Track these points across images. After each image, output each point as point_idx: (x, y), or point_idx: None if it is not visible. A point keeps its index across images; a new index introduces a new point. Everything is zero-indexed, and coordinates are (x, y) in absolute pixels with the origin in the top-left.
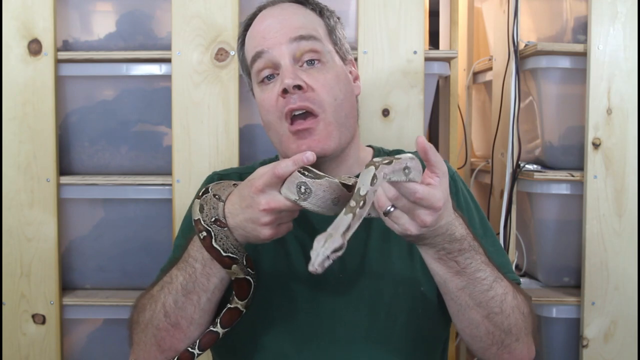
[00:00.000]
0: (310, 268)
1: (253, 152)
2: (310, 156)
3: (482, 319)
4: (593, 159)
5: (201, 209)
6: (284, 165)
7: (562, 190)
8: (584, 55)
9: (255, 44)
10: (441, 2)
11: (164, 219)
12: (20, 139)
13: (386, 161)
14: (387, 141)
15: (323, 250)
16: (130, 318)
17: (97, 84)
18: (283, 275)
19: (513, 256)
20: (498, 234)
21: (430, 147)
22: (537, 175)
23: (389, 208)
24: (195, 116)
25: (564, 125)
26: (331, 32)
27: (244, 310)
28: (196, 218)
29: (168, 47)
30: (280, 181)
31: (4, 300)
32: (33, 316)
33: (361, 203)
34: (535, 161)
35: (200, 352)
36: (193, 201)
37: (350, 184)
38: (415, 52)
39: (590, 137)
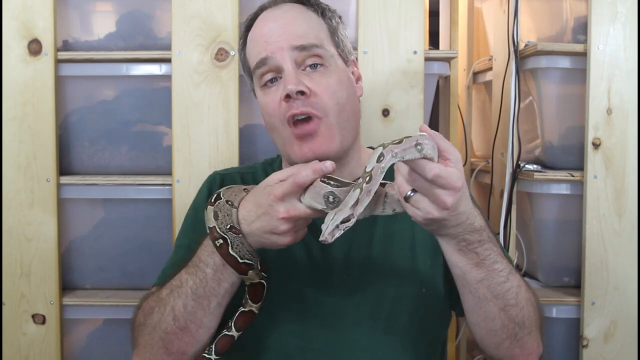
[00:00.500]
0: (321, 238)
1: (253, 152)
2: (330, 166)
3: (498, 311)
4: (593, 159)
5: (215, 216)
6: (304, 174)
7: (562, 190)
8: (584, 55)
9: (259, 49)
10: (441, 2)
11: (164, 219)
12: (20, 139)
13: (396, 141)
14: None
15: (332, 221)
16: (134, 320)
17: (97, 84)
18: (287, 275)
19: (513, 256)
20: (498, 233)
21: (435, 134)
22: (537, 175)
23: (409, 192)
24: (195, 116)
25: (564, 125)
26: (333, 33)
27: (257, 312)
28: (211, 225)
29: (168, 47)
30: (300, 190)
31: (4, 300)
32: (33, 316)
33: (367, 179)
34: (535, 161)
35: (217, 358)
36: (206, 208)
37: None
38: (415, 52)
39: (590, 137)
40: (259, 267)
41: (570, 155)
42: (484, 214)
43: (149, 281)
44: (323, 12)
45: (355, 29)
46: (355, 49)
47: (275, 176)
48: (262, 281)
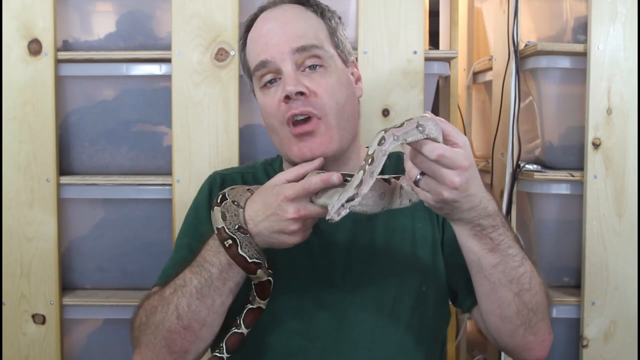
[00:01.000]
0: (327, 217)
1: (253, 152)
2: (337, 179)
3: (513, 296)
4: (593, 159)
5: (223, 217)
6: (314, 182)
7: (562, 190)
8: (584, 55)
9: (259, 51)
10: (441, 2)
11: (164, 219)
12: (20, 139)
13: (397, 125)
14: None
15: (338, 201)
16: (135, 319)
17: (97, 84)
18: (289, 275)
19: None
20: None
21: (440, 119)
22: (537, 175)
23: (418, 176)
24: (195, 116)
25: (564, 125)
26: (332, 34)
27: (264, 308)
28: (219, 226)
29: (168, 47)
30: (310, 194)
31: (4, 300)
32: (33, 316)
33: (369, 160)
34: (535, 161)
35: (228, 355)
36: (212, 209)
37: (387, 178)
38: (415, 52)
39: (590, 137)
40: (267, 265)
41: (570, 155)
42: (497, 201)
43: (149, 281)
44: (322, 13)
45: (355, 29)
46: (355, 49)
47: (282, 176)
48: (269, 278)
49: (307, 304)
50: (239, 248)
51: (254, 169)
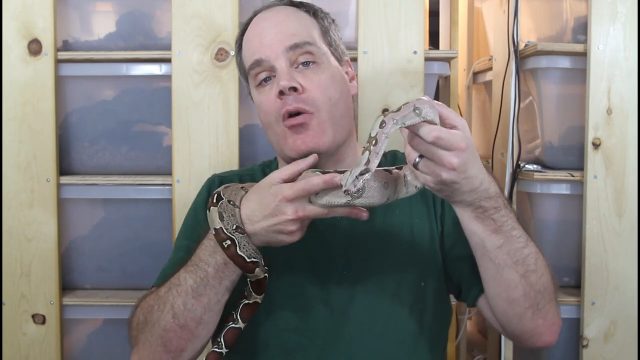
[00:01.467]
0: (344, 188)
1: (253, 152)
2: (339, 180)
3: (519, 278)
4: (593, 159)
5: (221, 217)
6: (315, 183)
7: (562, 190)
8: (584, 55)
9: (253, 50)
10: (441, 2)
11: (164, 219)
12: (20, 139)
13: (395, 110)
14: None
15: (351, 175)
16: (133, 318)
17: (97, 84)
18: (287, 273)
19: None
20: None
21: (438, 103)
22: (537, 175)
23: (416, 159)
24: (195, 116)
25: (564, 125)
26: (325, 33)
27: (260, 302)
28: (217, 227)
29: (168, 47)
30: (309, 195)
31: (4, 300)
32: (33, 316)
33: (373, 142)
34: (535, 161)
35: (227, 350)
36: (209, 209)
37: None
38: (415, 52)
39: (590, 137)
40: (263, 263)
41: (570, 155)
42: (499, 183)
43: (149, 281)
44: (315, 13)
45: (355, 29)
46: (355, 48)
47: (276, 175)
48: (265, 274)
49: (306, 301)
50: (238, 248)
51: (252, 171)
